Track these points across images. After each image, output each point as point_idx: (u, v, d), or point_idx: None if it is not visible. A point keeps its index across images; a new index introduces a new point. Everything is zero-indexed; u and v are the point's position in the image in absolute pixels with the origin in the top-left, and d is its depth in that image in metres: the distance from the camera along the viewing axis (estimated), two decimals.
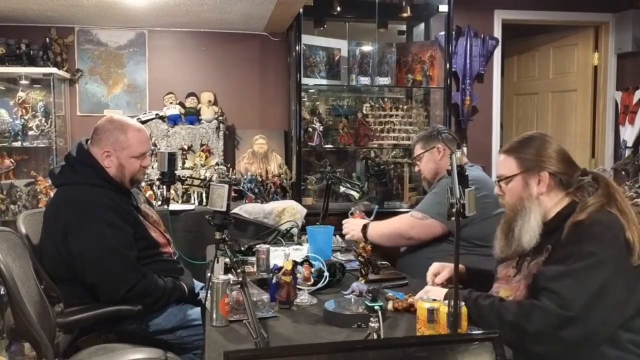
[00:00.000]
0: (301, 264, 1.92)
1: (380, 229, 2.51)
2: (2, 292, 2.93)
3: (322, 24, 4.20)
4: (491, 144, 4.52)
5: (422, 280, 2.17)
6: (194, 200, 3.71)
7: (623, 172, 4.11)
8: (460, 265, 1.91)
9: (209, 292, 1.68)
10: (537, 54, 5.08)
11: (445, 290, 1.79)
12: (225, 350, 0.98)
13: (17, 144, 3.82)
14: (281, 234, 2.87)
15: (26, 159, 3.97)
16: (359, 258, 2.12)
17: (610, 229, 1.57)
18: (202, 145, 3.96)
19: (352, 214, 2.65)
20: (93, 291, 2.06)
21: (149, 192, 3.54)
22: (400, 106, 4.18)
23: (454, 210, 1.39)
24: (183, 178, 2.96)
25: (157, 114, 4.01)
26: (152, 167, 3.53)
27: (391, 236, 2.51)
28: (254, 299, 1.75)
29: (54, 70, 3.78)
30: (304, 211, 3.55)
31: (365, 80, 4.04)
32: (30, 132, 3.84)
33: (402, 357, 1.03)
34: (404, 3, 4.09)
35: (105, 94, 4.16)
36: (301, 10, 3.64)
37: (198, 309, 2.20)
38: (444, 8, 3.93)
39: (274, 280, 1.85)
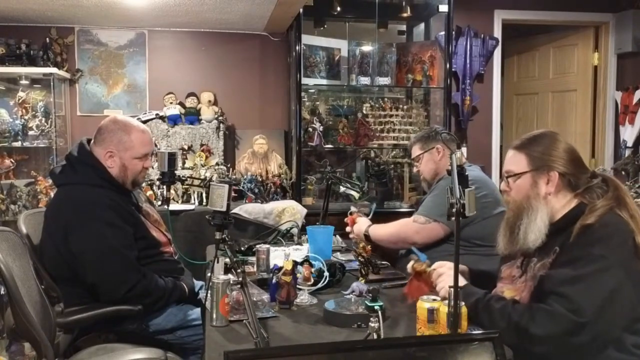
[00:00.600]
0: (301, 264, 1.92)
1: (383, 231, 2.51)
2: (2, 292, 2.93)
3: (322, 24, 4.20)
4: (491, 144, 4.52)
5: None
6: (194, 200, 3.71)
7: (623, 172, 4.11)
8: (463, 267, 1.91)
9: (209, 292, 1.68)
10: (537, 54, 5.08)
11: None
12: (225, 350, 0.98)
13: (17, 144, 3.82)
14: (281, 234, 2.87)
15: (26, 159, 3.97)
16: (359, 258, 2.12)
17: (619, 232, 1.55)
18: (202, 145, 3.96)
19: (350, 214, 2.67)
20: (93, 291, 2.06)
21: (149, 192, 3.54)
22: (400, 106, 4.19)
23: (454, 210, 1.39)
24: (183, 178, 2.96)
25: (157, 114, 4.01)
26: (152, 167, 3.53)
27: (394, 240, 2.51)
28: (254, 299, 1.75)
29: (54, 70, 3.78)
30: (304, 211, 3.55)
31: (365, 80, 4.04)
32: (30, 132, 3.84)
33: (402, 357, 1.03)
34: (404, 3, 4.09)
35: (105, 94, 4.16)
36: (301, 10, 3.64)
37: (198, 309, 2.20)
38: (444, 8, 3.93)
39: (274, 280, 1.85)
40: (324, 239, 2.44)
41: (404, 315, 1.74)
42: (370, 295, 1.56)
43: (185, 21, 3.95)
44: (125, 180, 2.22)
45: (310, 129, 3.93)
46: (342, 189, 3.12)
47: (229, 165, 3.96)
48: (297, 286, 1.88)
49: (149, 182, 3.58)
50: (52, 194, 3.73)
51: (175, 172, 2.20)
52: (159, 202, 3.50)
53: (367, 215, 2.65)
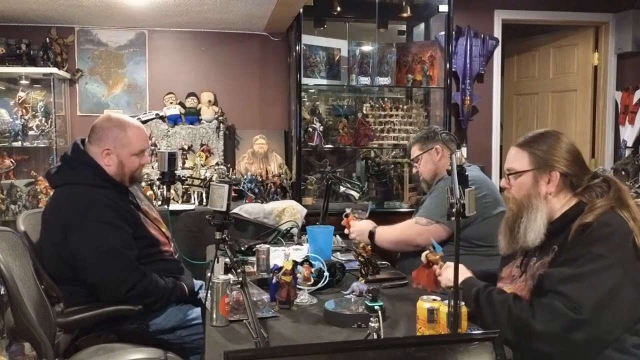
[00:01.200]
0: (301, 264, 1.92)
1: (387, 236, 2.51)
2: (2, 292, 2.93)
3: (322, 24, 4.20)
4: (491, 144, 4.52)
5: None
6: (194, 200, 3.71)
7: (623, 172, 4.11)
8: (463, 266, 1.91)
9: (209, 292, 1.68)
10: (537, 54, 5.08)
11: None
12: (225, 350, 0.98)
13: (17, 144, 3.82)
14: (281, 234, 2.87)
15: (26, 159, 3.97)
16: (359, 258, 2.12)
17: (619, 232, 1.55)
18: (202, 145, 3.96)
19: (346, 215, 2.67)
20: (93, 291, 2.06)
21: (149, 192, 3.54)
22: (400, 106, 4.19)
23: (454, 210, 1.39)
24: (183, 178, 2.96)
25: (157, 114, 4.01)
26: (152, 167, 3.54)
27: (398, 244, 2.51)
28: (254, 299, 1.75)
29: (54, 70, 3.78)
30: (304, 211, 3.55)
31: (365, 80, 4.04)
32: (30, 132, 3.84)
33: (402, 357, 1.03)
34: (404, 3, 4.09)
35: (106, 94, 4.16)
36: (301, 10, 3.64)
37: (198, 309, 2.20)
38: (444, 8, 3.93)
39: (274, 280, 1.85)
40: (324, 239, 2.44)
41: (404, 315, 1.74)
42: (370, 295, 1.56)
43: (185, 21, 3.95)
44: (124, 178, 2.21)
45: (310, 129, 3.93)
46: (342, 189, 3.12)
47: (229, 165, 3.96)
48: (297, 286, 1.88)
49: (149, 182, 3.58)
50: (52, 194, 3.73)
51: (175, 172, 2.20)
52: (159, 202, 3.50)
53: (365, 212, 2.65)
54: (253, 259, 2.33)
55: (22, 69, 3.77)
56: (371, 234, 2.53)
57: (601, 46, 4.62)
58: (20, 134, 3.82)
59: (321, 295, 1.95)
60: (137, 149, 2.21)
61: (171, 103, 4.06)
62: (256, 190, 3.70)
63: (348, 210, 2.69)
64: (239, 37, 4.24)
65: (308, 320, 1.73)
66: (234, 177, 3.88)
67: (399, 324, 1.69)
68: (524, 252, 1.72)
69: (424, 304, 1.53)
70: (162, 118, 4.01)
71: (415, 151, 2.71)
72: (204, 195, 3.61)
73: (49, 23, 4.00)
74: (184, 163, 3.87)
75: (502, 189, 1.85)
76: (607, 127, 4.60)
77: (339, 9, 4.03)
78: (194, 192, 3.71)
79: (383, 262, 2.42)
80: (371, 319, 1.42)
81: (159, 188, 3.56)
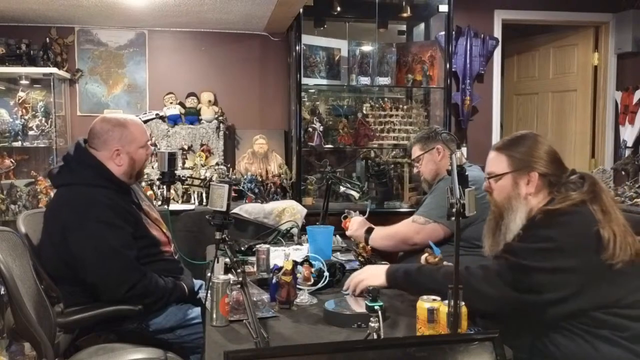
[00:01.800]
0: (301, 264, 1.92)
1: (383, 234, 2.51)
2: (2, 292, 2.93)
3: (322, 24, 4.20)
4: (491, 144, 4.48)
5: None
6: (194, 200, 3.71)
7: (623, 172, 4.11)
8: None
9: (209, 292, 1.68)
10: (537, 54, 5.09)
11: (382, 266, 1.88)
12: (225, 350, 0.98)
13: (17, 144, 3.82)
14: (281, 234, 2.87)
15: (26, 159, 3.97)
16: (359, 258, 2.12)
17: (579, 222, 1.60)
18: (202, 145, 3.96)
19: (345, 217, 2.68)
20: (93, 291, 2.06)
21: (149, 192, 3.54)
22: (400, 106, 4.19)
23: (454, 210, 1.39)
24: (183, 178, 2.96)
25: (157, 114, 4.01)
26: (152, 167, 3.54)
27: (394, 242, 2.51)
28: (254, 299, 1.75)
29: (54, 70, 3.78)
30: (304, 211, 3.55)
31: (365, 80, 4.04)
32: (30, 132, 3.84)
33: (402, 357, 1.03)
34: (404, 3, 4.09)
35: (106, 94, 4.16)
36: (301, 10, 3.64)
37: (198, 308, 2.20)
38: (444, 8, 3.93)
39: (274, 280, 1.85)
40: (324, 239, 2.44)
41: (404, 315, 1.74)
42: (370, 295, 1.56)
43: (185, 21, 3.95)
44: (133, 174, 2.24)
45: (310, 129, 3.93)
46: (342, 189, 3.11)
47: (229, 165, 3.96)
48: (297, 286, 1.88)
49: (149, 182, 3.58)
50: (52, 194, 3.73)
51: (175, 172, 2.20)
52: (159, 202, 3.50)
53: (363, 213, 2.66)
54: (253, 259, 2.32)
55: (22, 69, 3.77)
56: (368, 232, 2.53)
57: (601, 46, 4.62)
58: (20, 134, 3.82)
59: (321, 295, 1.95)
60: (142, 141, 2.25)
61: (171, 103, 4.06)
62: (256, 190, 3.70)
63: (346, 213, 2.71)
64: (239, 37, 4.24)
65: (308, 320, 1.73)
66: (234, 177, 3.88)
67: (399, 324, 1.69)
68: None
69: (424, 304, 1.53)
70: (162, 118, 4.01)
71: (416, 151, 2.71)
72: (204, 195, 3.61)
73: (49, 23, 4.00)
74: (184, 163, 3.87)
75: (485, 191, 1.87)
76: (607, 127, 4.60)
77: (339, 9, 4.03)
78: (194, 192, 3.71)
79: (383, 262, 2.42)
80: (371, 319, 1.42)
81: (159, 188, 3.57)
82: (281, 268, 1.83)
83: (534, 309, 1.60)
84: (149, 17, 3.81)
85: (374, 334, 1.40)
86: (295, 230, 2.91)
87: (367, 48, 4.10)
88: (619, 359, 1.55)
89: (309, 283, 1.91)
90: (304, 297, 1.89)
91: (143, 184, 3.43)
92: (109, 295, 2.03)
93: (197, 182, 3.40)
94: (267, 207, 3.53)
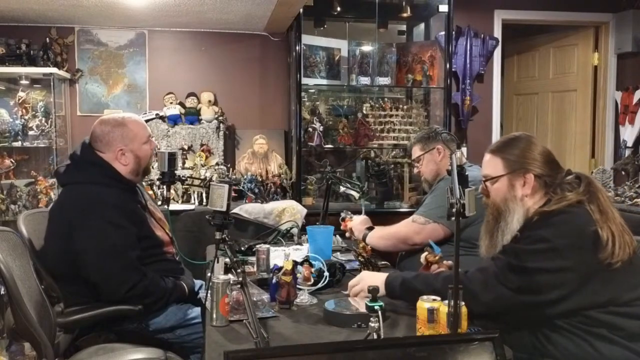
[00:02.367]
0: (301, 264, 1.92)
1: (382, 234, 2.51)
2: (2, 292, 2.94)
3: (322, 24, 4.20)
4: (491, 144, 4.51)
5: None
6: (194, 200, 3.71)
7: (623, 172, 4.11)
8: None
9: (209, 292, 1.68)
10: (537, 54, 5.08)
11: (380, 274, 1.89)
12: (225, 350, 0.98)
13: (17, 144, 3.82)
14: (281, 234, 2.87)
15: (26, 159, 3.97)
16: (359, 258, 2.12)
17: (575, 222, 1.60)
18: (202, 145, 3.96)
19: (343, 219, 2.69)
20: (94, 290, 2.06)
21: (150, 192, 3.53)
22: (400, 106, 4.19)
23: (454, 210, 1.39)
24: (183, 178, 2.96)
25: (157, 114, 4.01)
26: (153, 167, 3.53)
27: (394, 242, 2.51)
28: (254, 299, 1.75)
29: (54, 70, 3.78)
30: (304, 211, 3.55)
31: (365, 80, 4.04)
32: (30, 132, 3.84)
33: (402, 357, 1.03)
34: (404, 3, 4.09)
35: (106, 94, 4.16)
36: (301, 10, 3.64)
37: (198, 308, 2.20)
38: (444, 8, 3.93)
39: (274, 280, 1.85)
40: (324, 239, 2.44)
41: (404, 315, 1.74)
42: (370, 295, 1.56)
43: (185, 21, 3.95)
44: (139, 171, 2.24)
45: (310, 129, 3.93)
46: (342, 189, 3.12)
47: (229, 165, 3.97)
48: (297, 286, 1.88)
49: (149, 182, 3.58)
50: (52, 194, 3.74)
51: (175, 172, 2.20)
52: (159, 202, 3.50)
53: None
54: (253, 259, 2.33)
55: (22, 69, 3.77)
56: (370, 230, 2.54)
57: (601, 46, 4.61)
58: (20, 134, 3.82)
59: (321, 295, 1.95)
60: (144, 136, 2.25)
61: (171, 103, 4.06)
62: (256, 190, 3.70)
63: (343, 214, 2.72)
64: (239, 37, 4.24)
65: (308, 320, 1.73)
66: (234, 177, 3.88)
67: (399, 324, 1.69)
68: None
69: (424, 304, 1.53)
70: (162, 118, 4.01)
71: (416, 151, 2.71)
72: (204, 195, 3.61)
73: (49, 23, 4.00)
74: (184, 163, 3.87)
75: (481, 194, 1.87)
76: (607, 127, 4.59)
77: (339, 9, 4.03)
78: (194, 192, 3.71)
79: (383, 262, 2.42)
80: (371, 319, 1.42)
81: (159, 188, 3.57)
82: (281, 268, 1.83)
83: (531, 309, 1.60)
84: (149, 17, 3.81)
85: (374, 334, 1.40)
86: (295, 230, 2.91)
87: (367, 48, 4.10)
88: (617, 358, 1.55)
89: (309, 283, 1.91)
90: (304, 297, 1.89)
91: (143, 184, 3.43)
92: (109, 294, 2.03)
93: (197, 182, 3.41)
94: (267, 207, 3.53)
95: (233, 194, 1.87)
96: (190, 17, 3.81)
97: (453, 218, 1.40)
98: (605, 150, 4.60)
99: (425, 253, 1.93)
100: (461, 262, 1.46)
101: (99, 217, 2.04)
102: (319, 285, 1.95)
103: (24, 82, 3.89)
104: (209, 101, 4.09)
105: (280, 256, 2.19)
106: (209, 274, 1.84)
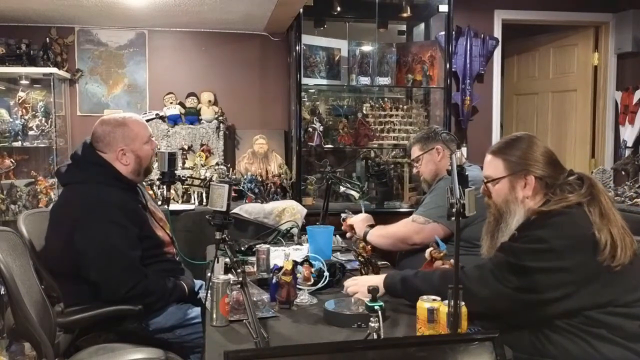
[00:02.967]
0: (301, 264, 1.92)
1: (382, 233, 2.51)
2: (2, 292, 2.94)
3: (322, 24, 4.20)
4: (491, 144, 4.48)
5: None
6: (194, 200, 3.71)
7: (623, 172, 4.11)
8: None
9: (209, 292, 1.68)
10: (537, 54, 5.08)
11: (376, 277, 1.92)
12: (225, 350, 0.98)
13: (17, 144, 3.82)
14: (281, 234, 2.87)
15: (26, 159, 3.97)
16: (359, 258, 2.12)
17: (570, 221, 1.60)
18: (202, 145, 3.96)
19: (344, 220, 2.69)
20: (94, 290, 2.06)
21: (150, 192, 3.53)
22: (400, 106, 4.19)
23: (454, 210, 1.39)
24: (183, 178, 2.96)
25: (157, 114, 4.01)
26: (153, 167, 3.53)
27: (394, 241, 2.51)
28: (254, 299, 1.75)
29: (54, 70, 3.78)
30: (304, 211, 3.55)
31: (365, 80, 4.04)
32: (30, 132, 3.84)
33: (402, 357, 1.03)
34: (404, 3, 4.09)
35: (106, 94, 4.16)
36: (301, 10, 3.64)
37: (198, 308, 2.20)
38: (444, 8, 3.93)
39: (274, 280, 1.85)
40: (324, 239, 2.44)
41: (404, 315, 1.74)
42: (370, 295, 1.56)
43: (185, 21, 3.95)
44: (140, 171, 2.24)
45: (310, 129, 3.93)
46: (342, 189, 3.12)
47: (229, 165, 3.97)
48: (297, 286, 1.88)
49: (149, 182, 3.58)
50: (52, 194, 3.74)
51: (175, 172, 2.20)
52: (159, 202, 3.50)
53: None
54: (253, 259, 2.33)
55: (22, 69, 3.77)
56: (370, 227, 2.54)
57: (601, 46, 4.61)
58: (20, 134, 3.82)
59: (321, 295, 1.95)
60: (145, 136, 2.25)
61: (171, 103, 4.06)
62: (256, 190, 3.70)
63: (344, 215, 2.72)
64: (239, 37, 4.24)
65: (308, 320, 1.73)
66: (234, 177, 3.88)
67: (399, 324, 1.69)
68: None
69: (424, 304, 1.53)
70: (162, 118, 4.01)
71: (415, 151, 2.71)
72: (204, 195, 3.61)
73: (49, 23, 3.99)
74: (184, 163, 3.87)
75: (483, 195, 1.87)
76: (607, 127, 4.59)
77: (339, 9, 4.03)
78: (194, 192, 3.71)
79: (383, 262, 2.42)
80: (371, 319, 1.42)
81: (159, 188, 3.56)
82: (281, 268, 1.83)
83: (529, 307, 1.60)
84: (149, 17, 3.81)
85: (374, 334, 1.40)
86: (295, 230, 2.91)
87: (367, 48, 4.10)
88: (617, 358, 1.55)
89: (309, 283, 1.91)
90: (304, 297, 1.89)
91: (144, 183, 3.43)
92: (109, 294, 2.03)
93: (197, 182, 3.40)
94: (267, 207, 3.53)
95: (233, 194, 1.87)
96: (190, 17, 3.81)
97: (453, 218, 1.40)
98: (605, 150, 4.60)
99: (431, 249, 1.93)
100: (461, 261, 1.46)
101: (100, 216, 2.04)
102: (319, 285, 1.96)
103: (24, 82, 3.89)
104: (209, 101, 4.09)
105: (280, 256, 2.19)
106: (209, 274, 1.84)
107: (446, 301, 1.49)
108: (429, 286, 1.69)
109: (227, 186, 1.69)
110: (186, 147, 3.94)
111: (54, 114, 3.81)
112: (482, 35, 4.38)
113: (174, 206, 3.50)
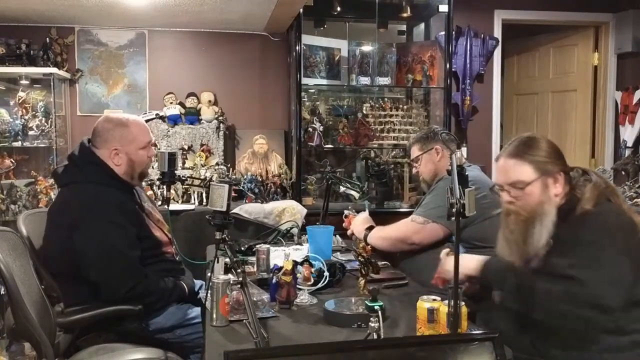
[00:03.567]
0: (301, 264, 1.92)
1: (381, 234, 2.51)
2: (2, 292, 2.94)
3: (322, 24, 4.20)
4: (491, 144, 4.52)
5: (421, 281, 2.18)
6: (194, 200, 3.71)
7: (623, 172, 4.11)
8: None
9: (209, 292, 1.68)
10: (537, 54, 5.08)
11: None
12: (225, 350, 0.98)
13: (17, 144, 3.82)
14: (281, 234, 2.87)
15: (26, 159, 3.97)
16: (359, 258, 2.11)
17: (616, 217, 1.62)
18: (202, 145, 3.96)
19: (346, 217, 2.68)
20: (94, 290, 2.06)
21: (149, 192, 3.54)
22: (400, 106, 4.19)
23: (454, 210, 1.39)
24: (183, 178, 2.96)
25: (157, 114, 4.01)
26: (153, 167, 3.54)
27: (393, 241, 2.50)
28: (254, 299, 1.75)
29: (54, 70, 3.78)
30: (304, 211, 3.55)
31: (365, 80, 4.04)
32: (30, 132, 3.84)
33: (402, 357, 1.03)
34: (404, 3, 4.09)
35: (106, 94, 4.16)
36: (301, 10, 3.64)
37: (197, 308, 2.20)
38: (444, 8, 3.93)
39: (274, 280, 1.85)
40: (324, 239, 2.44)
41: (404, 315, 1.74)
42: (370, 295, 1.56)
43: (185, 21, 3.95)
44: (134, 175, 2.23)
45: (310, 129, 3.93)
46: (342, 189, 3.12)
47: (229, 165, 3.97)
48: (297, 286, 1.88)
49: (149, 182, 3.57)
50: (52, 194, 3.73)
51: (175, 172, 2.20)
52: (159, 202, 3.50)
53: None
54: (253, 259, 2.32)
55: (22, 69, 3.77)
56: (370, 229, 2.54)
57: (601, 46, 4.62)
58: (20, 134, 3.82)
59: (321, 295, 1.95)
60: (143, 142, 2.23)
61: (171, 103, 4.06)
62: (256, 190, 3.70)
63: (347, 212, 2.72)
64: (239, 37, 4.24)
65: (308, 320, 1.73)
66: (234, 177, 3.88)
67: (399, 324, 1.69)
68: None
69: (424, 304, 1.53)
70: (162, 118, 4.01)
71: (415, 151, 2.70)
72: (204, 195, 3.61)
73: (49, 23, 3.99)
74: (184, 163, 3.87)
75: (506, 202, 1.84)
76: (607, 127, 4.59)
77: (339, 9, 4.03)
78: (194, 192, 3.71)
79: (383, 262, 2.42)
80: (371, 319, 1.42)
81: (159, 188, 3.56)
82: (281, 268, 1.83)
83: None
84: (149, 17, 3.81)
85: (374, 334, 1.40)
86: (295, 230, 2.91)
87: (367, 48, 4.10)
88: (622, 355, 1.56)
89: (309, 283, 1.91)
90: (304, 297, 1.89)
91: (143, 184, 3.43)
92: (109, 294, 2.03)
93: (197, 182, 3.40)
94: (267, 207, 3.53)
95: (233, 194, 1.87)
96: (190, 17, 3.81)
97: (453, 218, 1.40)
98: (605, 150, 4.60)
99: (447, 250, 1.92)
100: None
101: (99, 216, 2.04)
102: (319, 285, 1.96)
103: (24, 82, 3.89)
104: (209, 101, 4.09)
105: (280, 256, 2.19)
106: (209, 274, 1.84)
107: (446, 301, 1.49)
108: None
109: (227, 186, 1.69)
110: (186, 147, 3.94)
111: (54, 114, 3.81)
112: (482, 35, 4.38)
113: (174, 206, 3.50)
